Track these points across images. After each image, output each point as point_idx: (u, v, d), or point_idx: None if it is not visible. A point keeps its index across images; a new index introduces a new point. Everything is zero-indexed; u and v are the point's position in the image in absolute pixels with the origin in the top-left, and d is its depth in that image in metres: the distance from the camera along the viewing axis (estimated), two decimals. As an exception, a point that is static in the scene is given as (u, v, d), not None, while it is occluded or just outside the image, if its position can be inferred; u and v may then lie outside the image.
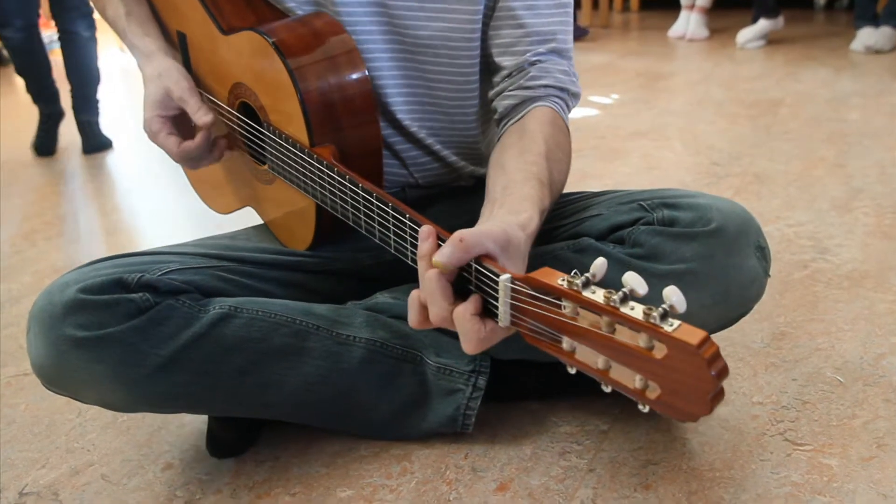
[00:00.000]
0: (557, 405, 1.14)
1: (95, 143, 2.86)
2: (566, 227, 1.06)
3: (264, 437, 1.12)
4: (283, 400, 1.01)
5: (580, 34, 3.97)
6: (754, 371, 1.21)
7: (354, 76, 1.04)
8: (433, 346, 1.08)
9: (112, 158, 2.83)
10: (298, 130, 1.01)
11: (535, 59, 1.05)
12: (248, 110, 1.13)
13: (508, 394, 1.13)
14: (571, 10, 1.09)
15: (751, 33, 3.83)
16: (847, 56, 3.49)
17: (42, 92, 2.87)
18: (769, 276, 0.97)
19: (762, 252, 0.94)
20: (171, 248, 1.10)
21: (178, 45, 1.23)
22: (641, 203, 0.98)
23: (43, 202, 2.41)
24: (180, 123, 1.13)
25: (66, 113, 2.95)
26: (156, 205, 2.31)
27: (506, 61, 1.06)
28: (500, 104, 1.06)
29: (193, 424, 1.18)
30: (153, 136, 1.11)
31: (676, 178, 2.13)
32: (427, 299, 0.75)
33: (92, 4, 1.30)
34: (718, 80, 3.23)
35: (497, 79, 1.08)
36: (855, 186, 1.98)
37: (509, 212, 0.81)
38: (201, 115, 1.08)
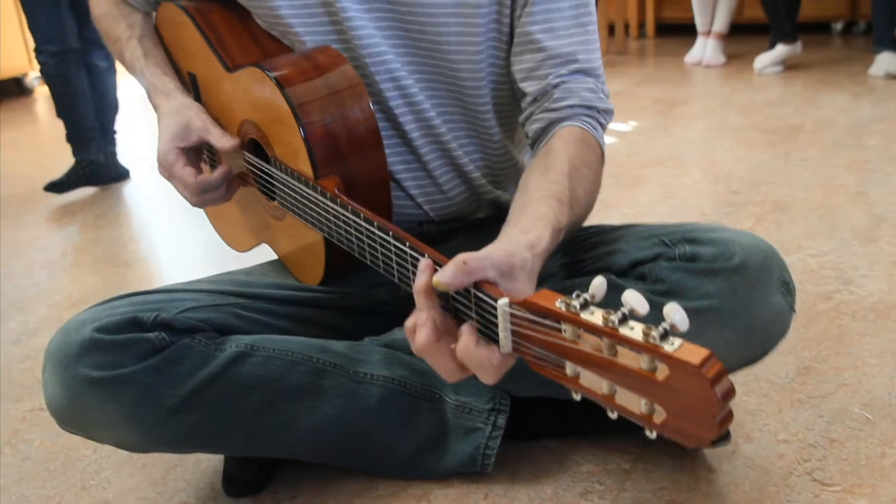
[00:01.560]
0: (578, 443, 1.12)
1: (113, 173, 2.87)
2: (588, 262, 1.05)
3: (281, 475, 1.11)
4: (299, 439, 1.00)
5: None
6: (779, 407, 1.18)
7: (358, 108, 1.03)
8: (452, 383, 1.06)
9: (129, 188, 2.84)
10: (303, 164, 1.01)
11: (558, 80, 1.03)
12: (256, 147, 1.13)
13: (528, 432, 1.11)
14: (594, 27, 1.07)
15: (768, 59, 3.82)
16: (866, 81, 3.47)
17: (73, 130, 2.80)
18: (794, 311, 0.95)
19: (787, 287, 0.92)
20: (187, 286, 1.09)
21: (191, 86, 1.24)
22: (663, 238, 0.96)
23: (60, 232, 2.42)
24: (194, 160, 1.13)
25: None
26: (172, 236, 2.32)
27: (530, 87, 1.05)
28: (529, 129, 1.05)
29: (209, 462, 1.16)
30: (169, 167, 1.10)
31: (696, 207, 2.11)
32: (419, 326, 0.74)
33: (107, 47, 1.31)
34: (736, 106, 3.21)
35: (524, 105, 1.07)
36: (877, 215, 1.95)
37: (520, 231, 0.80)
38: (226, 141, 1.08)
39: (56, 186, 2.73)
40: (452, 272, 0.70)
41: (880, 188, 2.14)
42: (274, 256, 1.24)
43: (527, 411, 1.08)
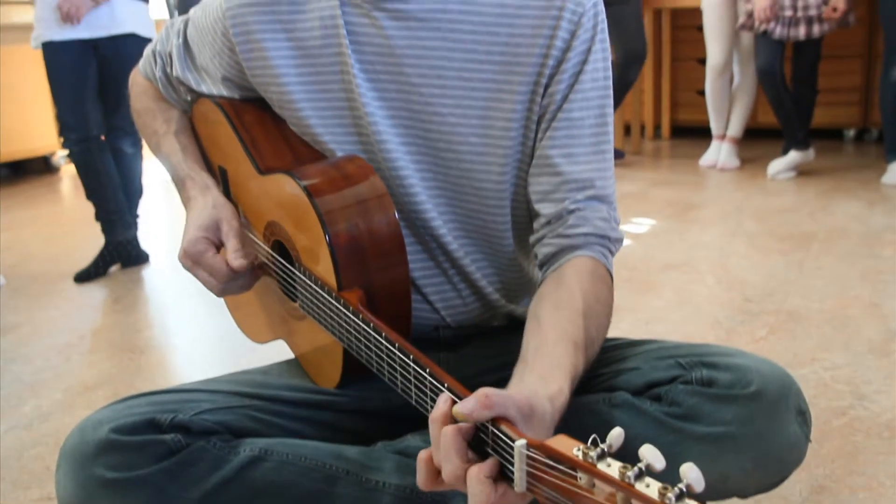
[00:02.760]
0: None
1: (133, 256, 2.92)
2: (603, 378, 1.05)
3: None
4: (308, 546, 0.99)
5: (617, 156, 4.04)
6: (794, 530, 1.17)
7: (384, 220, 1.05)
8: (463, 494, 1.06)
9: (148, 273, 2.88)
10: (327, 272, 1.03)
11: (573, 206, 1.05)
12: (281, 248, 1.15)
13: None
14: (611, 154, 1.10)
15: (781, 164, 3.88)
16: (879, 189, 3.51)
17: (102, 214, 2.87)
18: (810, 440, 0.94)
19: (803, 417, 0.92)
20: (205, 385, 1.10)
21: (220, 179, 1.27)
22: (679, 360, 0.97)
23: (78, 315, 2.45)
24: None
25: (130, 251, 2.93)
26: (188, 323, 2.34)
27: (545, 209, 1.07)
28: (540, 251, 1.07)
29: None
30: (197, 256, 1.12)
31: (710, 315, 2.11)
32: (442, 457, 0.74)
33: (142, 137, 1.35)
34: (750, 211, 3.25)
35: (537, 225, 1.08)
36: (892, 328, 1.95)
37: (539, 379, 0.81)
38: (235, 258, 1.10)
39: (85, 276, 2.78)
40: (473, 404, 0.71)
41: (894, 301, 2.15)
42: (289, 354, 1.25)
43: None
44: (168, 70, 1.27)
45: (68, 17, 2.64)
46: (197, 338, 2.21)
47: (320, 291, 1.03)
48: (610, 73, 1.10)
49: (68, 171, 5.30)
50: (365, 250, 1.04)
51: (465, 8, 1.05)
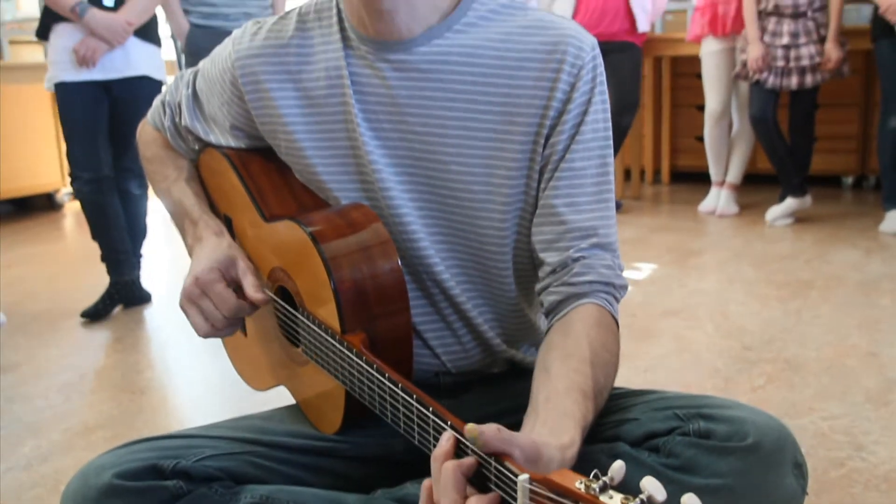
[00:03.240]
0: None
1: (136, 296, 2.93)
2: (603, 428, 1.06)
3: None
4: None
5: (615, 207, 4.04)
6: (792, 582, 1.16)
7: (387, 266, 1.07)
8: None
9: (150, 313, 2.89)
10: (331, 317, 1.04)
11: (578, 255, 1.06)
12: (284, 294, 1.17)
13: None
14: (613, 202, 1.12)
15: (779, 211, 3.91)
16: (877, 238, 3.54)
17: (109, 254, 2.88)
18: (807, 493, 0.95)
19: (800, 470, 0.93)
20: (206, 430, 1.11)
21: (225, 227, 1.29)
22: (677, 412, 0.98)
23: (79, 354, 2.46)
24: None
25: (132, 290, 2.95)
26: (189, 364, 2.34)
27: (549, 257, 1.08)
28: (546, 299, 1.08)
29: None
30: (208, 286, 1.12)
31: (708, 363, 2.12)
32: (441, 491, 0.75)
33: (150, 183, 1.37)
34: (749, 258, 3.27)
35: (542, 274, 1.10)
36: (889, 378, 1.96)
37: (550, 430, 0.82)
38: (255, 291, 1.12)
39: (93, 314, 2.79)
40: (487, 429, 0.73)
41: (892, 350, 2.16)
42: (290, 398, 1.26)
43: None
44: (177, 120, 1.29)
45: (84, 61, 2.69)
46: (198, 379, 2.22)
47: (324, 335, 1.05)
48: (610, 122, 1.12)
49: (72, 209, 5.33)
50: (368, 295, 1.05)
51: (466, 59, 1.08)
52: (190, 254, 1.21)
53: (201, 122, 1.26)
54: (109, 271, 2.88)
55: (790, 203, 3.90)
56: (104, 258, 2.88)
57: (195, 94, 1.27)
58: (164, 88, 2.90)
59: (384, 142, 1.11)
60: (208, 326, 1.14)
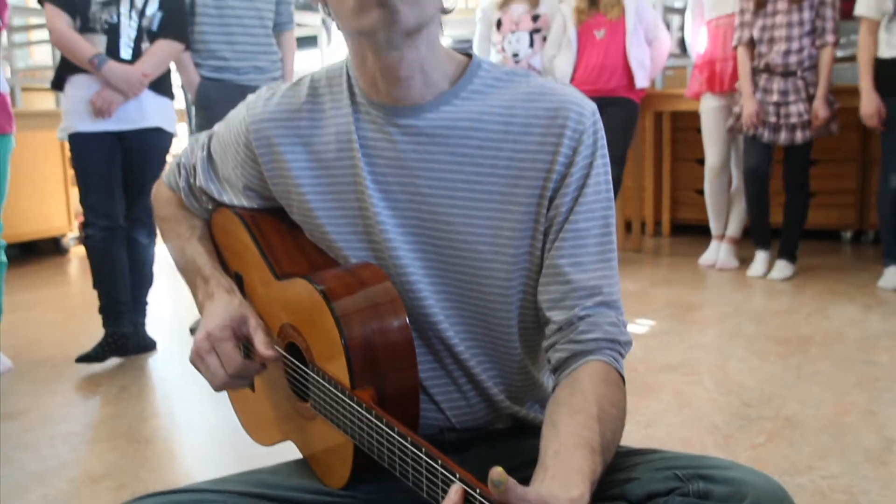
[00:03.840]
0: None
1: (141, 344, 2.96)
2: (606, 487, 1.08)
3: None
4: None
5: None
6: None
7: (396, 324, 1.10)
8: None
9: (154, 361, 2.91)
10: (340, 373, 1.07)
11: (583, 313, 1.10)
12: (294, 350, 1.20)
13: None
14: (615, 261, 1.15)
15: (760, 269, 4.00)
16: (875, 293, 3.57)
17: (109, 304, 2.89)
18: (804, 555, 0.97)
19: (796, 532, 0.96)
20: (214, 485, 1.12)
21: (235, 284, 1.33)
22: (677, 472, 1.00)
23: (84, 402, 2.47)
24: None
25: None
26: (195, 412, 2.36)
27: (556, 316, 1.12)
28: (553, 357, 1.11)
29: None
30: (218, 342, 1.15)
31: (708, 419, 2.14)
32: None
33: (163, 242, 1.41)
34: (749, 313, 3.30)
35: (548, 332, 1.13)
36: (888, 437, 1.98)
37: (560, 484, 0.85)
38: (266, 348, 1.14)
39: (88, 358, 2.81)
40: (507, 478, 0.76)
41: (891, 409, 2.18)
42: (295, 450, 1.28)
43: None
44: (192, 181, 1.33)
45: (100, 112, 2.75)
46: (203, 428, 2.24)
47: (333, 390, 1.07)
48: (611, 183, 1.16)
49: (77, 253, 5.37)
50: (377, 352, 1.09)
51: (472, 125, 1.12)
52: (200, 311, 1.24)
53: (215, 183, 1.31)
54: (106, 322, 2.89)
55: (760, 255, 4.01)
56: (103, 308, 2.89)
57: (210, 156, 1.31)
58: (174, 140, 2.96)
59: (392, 203, 1.15)
60: (217, 381, 1.17)
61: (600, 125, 1.15)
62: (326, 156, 1.17)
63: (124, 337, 2.86)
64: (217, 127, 1.32)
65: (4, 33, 2.86)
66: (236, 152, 1.24)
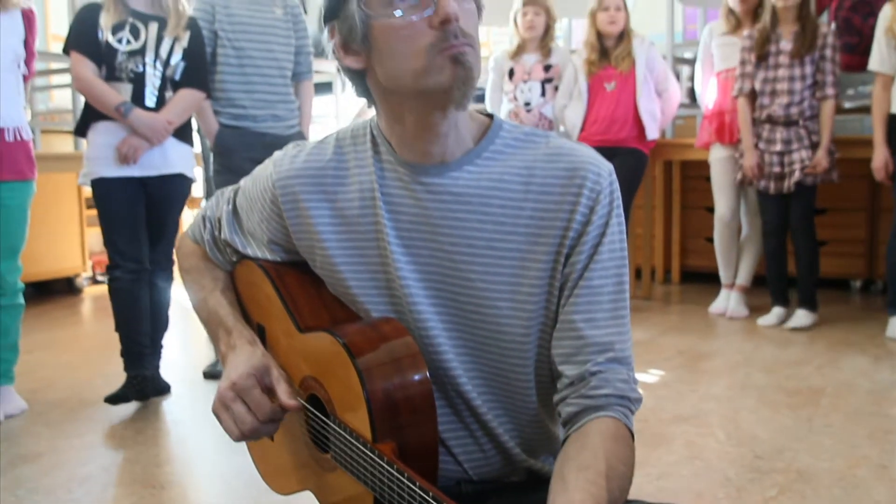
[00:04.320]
0: None
1: (156, 387, 2.98)
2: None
3: None
4: None
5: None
6: None
7: (416, 378, 1.13)
8: None
9: (168, 404, 2.93)
10: (362, 425, 1.10)
11: (595, 369, 1.12)
12: (315, 401, 1.23)
13: None
14: (628, 318, 1.18)
15: (773, 320, 4.00)
16: (885, 344, 3.57)
17: (132, 346, 2.92)
18: None
19: None
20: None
21: (258, 335, 1.36)
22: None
23: (100, 445, 2.49)
24: None
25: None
26: (210, 457, 2.38)
27: (568, 370, 1.15)
28: (564, 410, 1.14)
29: None
30: (246, 390, 1.17)
31: (720, 471, 2.15)
32: None
33: (187, 293, 1.43)
34: (759, 363, 3.31)
35: (560, 386, 1.16)
36: (900, 492, 1.98)
37: None
38: (289, 398, 1.17)
39: (116, 399, 2.84)
40: None
41: (902, 463, 2.18)
42: (311, 499, 1.30)
43: None
44: (216, 234, 1.37)
45: (125, 158, 2.81)
46: (217, 474, 2.25)
47: (355, 443, 1.10)
48: (625, 242, 1.20)
49: (91, 293, 5.42)
50: (399, 406, 1.11)
51: (494, 185, 1.16)
52: (223, 361, 1.26)
53: (240, 236, 1.34)
54: (129, 366, 2.91)
55: (776, 311, 4.00)
56: (125, 352, 2.92)
57: (235, 210, 1.35)
58: (193, 186, 3.00)
59: (414, 258, 1.18)
60: (240, 431, 1.18)
61: (616, 185, 1.19)
62: (350, 212, 1.21)
63: (145, 380, 2.89)
64: (243, 182, 1.36)
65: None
66: (262, 207, 1.28)
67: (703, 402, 2.80)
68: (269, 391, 1.21)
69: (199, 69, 2.95)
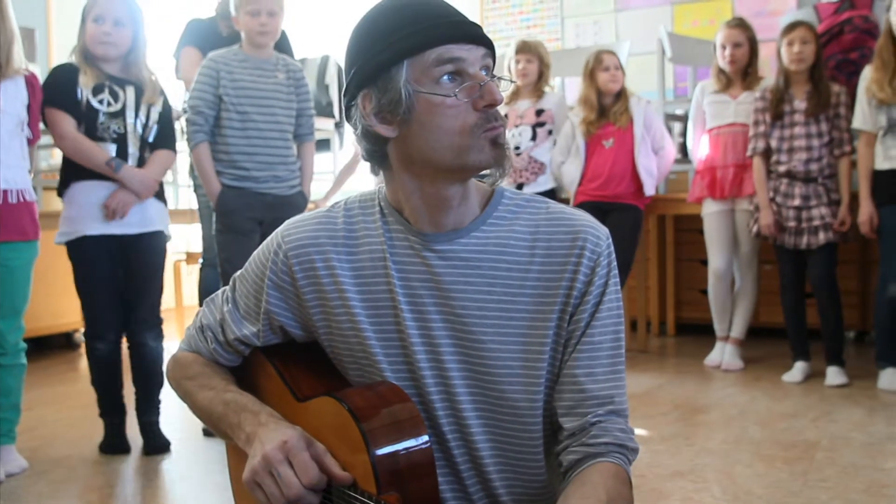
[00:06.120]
0: None
1: (156, 444, 3.00)
2: None
3: None
4: None
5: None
6: None
7: (417, 439, 1.19)
8: None
9: (168, 462, 2.94)
10: (367, 484, 1.15)
11: (595, 420, 1.20)
12: None
13: None
14: (624, 372, 1.26)
15: (797, 375, 3.97)
16: (878, 396, 3.60)
17: (114, 406, 3.05)
18: None
19: None
20: None
21: None
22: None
23: (101, 505, 2.50)
24: None
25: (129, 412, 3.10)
26: (209, 516, 2.39)
27: (568, 423, 1.21)
28: (565, 458, 1.20)
29: None
30: (297, 451, 1.16)
31: (717, 527, 2.17)
32: None
33: (190, 400, 1.41)
34: (754, 416, 3.33)
35: (561, 437, 1.23)
36: (895, 547, 2.00)
37: None
38: (339, 470, 1.18)
39: (110, 448, 2.99)
40: None
41: (897, 518, 2.20)
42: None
43: None
44: (221, 338, 1.38)
45: (114, 214, 2.87)
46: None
47: (361, 498, 1.15)
48: (622, 301, 1.28)
49: (88, 349, 5.43)
50: (401, 466, 1.17)
51: (503, 248, 1.24)
52: (249, 442, 1.23)
53: (248, 327, 1.35)
54: (104, 412, 3.05)
55: (799, 366, 3.96)
56: (106, 410, 3.05)
57: (236, 306, 1.37)
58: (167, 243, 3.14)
59: (425, 322, 1.25)
60: (284, 497, 1.16)
61: (612, 248, 1.28)
62: (364, 272, 1.27)
63: (122, 424, 3.04)
64: (236, 276, 1.38)
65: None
66: (268, 282, 1.31)
67: (699, 456, 2.82)
68: (317, 462, 1.19)
69: (171, 133, 3.12)
